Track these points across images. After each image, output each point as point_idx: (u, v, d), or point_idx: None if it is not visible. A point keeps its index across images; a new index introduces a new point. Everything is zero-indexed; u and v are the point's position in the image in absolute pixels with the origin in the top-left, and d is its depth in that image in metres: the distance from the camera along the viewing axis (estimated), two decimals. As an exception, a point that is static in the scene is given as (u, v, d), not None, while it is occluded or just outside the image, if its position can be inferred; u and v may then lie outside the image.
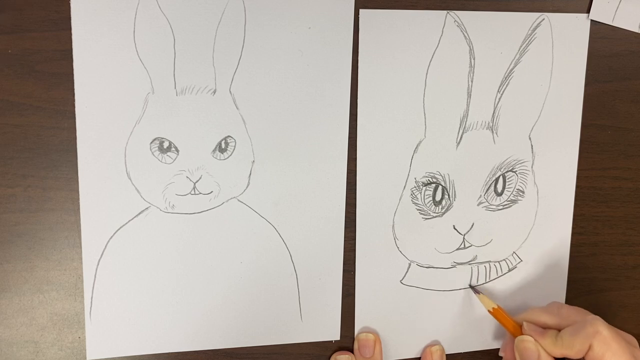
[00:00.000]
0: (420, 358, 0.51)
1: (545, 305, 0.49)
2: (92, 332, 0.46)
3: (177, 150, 0.45)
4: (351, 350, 0.50)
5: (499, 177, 0.50)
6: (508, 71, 0.49)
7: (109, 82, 0.43)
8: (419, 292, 0.50)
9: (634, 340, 0.46)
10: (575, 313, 0.46)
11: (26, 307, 0.45)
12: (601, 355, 0.42)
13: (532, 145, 0.50)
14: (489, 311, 0.49)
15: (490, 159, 0.50)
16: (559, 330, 0.46)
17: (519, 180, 0.51)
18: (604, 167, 0.52)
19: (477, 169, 0.50)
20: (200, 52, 0.44)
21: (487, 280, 0.52)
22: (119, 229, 0.45)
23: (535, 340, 0.46)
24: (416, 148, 0.48)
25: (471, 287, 0.51)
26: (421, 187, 0.49)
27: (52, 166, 0.44)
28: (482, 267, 0.51)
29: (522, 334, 0.47)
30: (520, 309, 0.53)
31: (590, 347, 0.43)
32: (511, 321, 0.48)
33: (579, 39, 0.50)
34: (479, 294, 0.50)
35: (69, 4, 0.42)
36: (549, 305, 0.49)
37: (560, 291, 0.53)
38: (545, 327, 0.47)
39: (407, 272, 0.50)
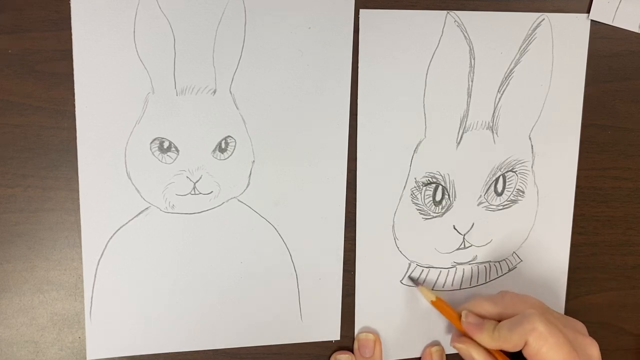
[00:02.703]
0: (420, 358, 0.51)
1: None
2: (92, 332, 0.46)
3: (177, 150, 0.45)
4: (351, 350, 0.50)
5: (499, 177, 0.50)
6: (508, 71, 0.49)
7: (109, 82, 0.43)
8: (418, 292, 0.50)
9: (582, 327, 0.46)
10: (519, 302, 0.46)
11: (26, 307, 0.45)
12: (537, 350, 0.42)
13: (532, 145, 0.50)
14: (430, 302, 0.49)
15: (490, 159, 0.50)
16: (499, 320, 0.45)
17: (519, 180, 0.51)
18: (604, 167, 0.52)
19: (477, 169, 0.50)
20: (200, 52, 0.44)
21: (487, 280, 0.52)
22: (119, 229, 0.45)
23: (471, 335, 0.45)
24: (416, 148, 0.48)
25: (411, 278, 0.50)
26: (421, 187, 0.49)
27: (52, 166, 0.44)
28: (482, 267, 0.51)
29: (460, 323, 0.46)
30: (520, 309, 0.53)
31: (526, 343, 0.42)
32: (452, 312, 0.47)
33: (579, 39, 0.50)
34: (418, 285, 0.49)
35: (69, 4, 0.42)
36: (498, 293, 0.48)
37: (560, 291, 0.53)
38: (487, 316, 0.46)
39: (407, 272, 0.50)
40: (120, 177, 0.44)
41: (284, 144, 0.46)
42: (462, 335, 0.47)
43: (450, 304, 0.48)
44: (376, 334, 0.50)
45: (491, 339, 0.44)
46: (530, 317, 0.43)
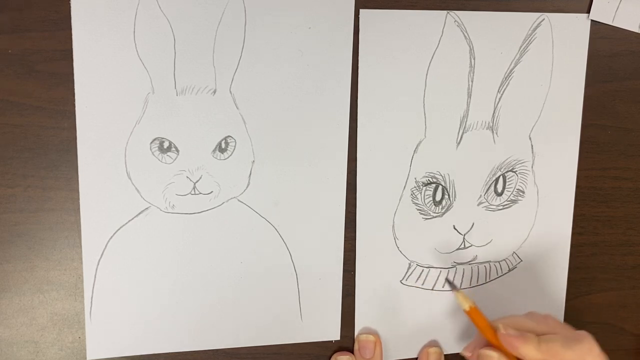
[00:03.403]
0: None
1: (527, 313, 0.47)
2: (92, 332, 0.46)
3: (177, 150, 0.45)
4: (351, 351, 0.50)
5: (499, 177, 0.50)
6: (508, 71, 0.49)
7: (109, 82, 0.43)
8: (419, 292, 0.50)
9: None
10: (562, 325, 0.45)
11: (26, 307, 0.45)
12: None
13: (532, 145, 0.50)
14: (464, 310, 0.46)
15: (490, 159, 0.50)
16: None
17: (519, 180, 0.51)
18: (604, 167, 0.52)
19: (477, 169, 0.50)
20: (200, 52, 0.44)
21: (487, 280, 0.52)
22: (119, 229, 0.45)
23: (511, 348, 0.42)
24: (416, 148, 0.48)
25: (448, 281, 0.48)
26: (421, 187, 0.49)
27: (52, 166, 0.44)
28: (482, 267, 0.51)
29: (493, 336, 0.44)
30: (520, 309, 0.53)
31: None
32: (487, 323, 0.45)
33: (579, 39, 0.50)
34: (457, 290, 0.47)
35: (69, 4, 0.42)
36: (529, 312, 0.46)
37: (560, 291, 0.53)
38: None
39: (407, 272, 0.50)
40: (120, 177, 0.44)
41: (284, 144, 0.46)
42: (487, 347, 0.45)
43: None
44: (376, 335, 0.50)
45: (538, 351, 0.41)
46: (588, 337, 0.41)
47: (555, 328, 0.44)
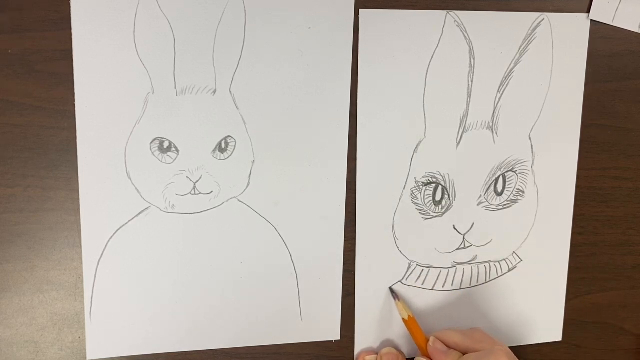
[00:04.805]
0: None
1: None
2: (92, 332, 0.46)
3: (177, 150, 0.45)
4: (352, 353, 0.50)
5: (499, 177, 0.50)
6: (508, 71, 0.49)
7: (109, 82, 0.43)
8: (419, 292, 0.50)
9: None
10: (488, 340, 0.46)
11: (26, 307, 0.45)
12: None
13: (532, 145, 0.50)
14: (402, 319, 0.49)
15: (490, 159, 0.50)
16: (464, 354, 0.46)
17: (519, 180, 0.51)
18: (604, 167, 0.52)
19: (477, 169, 0.50)
20: (200, 52, 0.44)
21: (487, 280, 0.52)
22: (119, 229, 0.45)
23: (437, 359, 0.46)
24: (416, 148, 0.48)
25: (391, 290, 0.50)
26: (421, 187, 0.49)
27: (52, 166, 0.44)
28: (482, 267, 0.51)
29: (426, 347, 0.47)
30: (520, 309, 0.53)
31: None
32: (421, 334, 0.48)
33: (579, 39, 0.50)
34: (397, 299, 0.49)
35: (69, 4, 0.42)
36: (469, 328, 0.49)
37: (560, 291, 0.53)
38: (454, 348, 0.47)
39: (407, 272, 0.50)
40: (120, 177, 0.44)
41: (284, 144, 0.46)
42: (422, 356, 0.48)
43: (422, 327, 0.49)
44: (402, 353, 0.50)
45: None
46: (498, 353, 0.44)
47: (481, 342, 0.46)
